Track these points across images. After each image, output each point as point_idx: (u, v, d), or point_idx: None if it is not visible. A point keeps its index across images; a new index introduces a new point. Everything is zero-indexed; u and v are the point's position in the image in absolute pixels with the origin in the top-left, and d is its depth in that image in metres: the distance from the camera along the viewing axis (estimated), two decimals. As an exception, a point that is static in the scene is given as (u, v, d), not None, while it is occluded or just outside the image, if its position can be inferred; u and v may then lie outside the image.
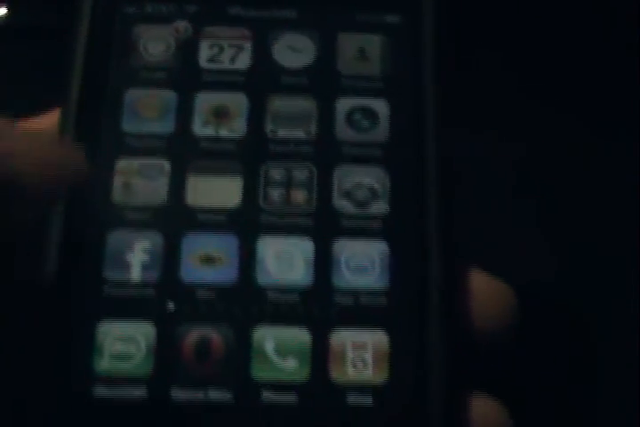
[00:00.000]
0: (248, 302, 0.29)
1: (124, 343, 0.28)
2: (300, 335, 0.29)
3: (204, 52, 0.31)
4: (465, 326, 0.29)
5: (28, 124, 0.28)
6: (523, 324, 0.29)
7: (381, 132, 0.31)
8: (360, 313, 0.29)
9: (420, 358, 0.28)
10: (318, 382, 0.28)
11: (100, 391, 0.28)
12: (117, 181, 0.30)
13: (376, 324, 0.29)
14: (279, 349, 0.28)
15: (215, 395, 0.28)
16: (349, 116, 0.31)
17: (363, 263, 0.30)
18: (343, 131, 0.31)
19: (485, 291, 0.29)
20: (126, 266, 0.29)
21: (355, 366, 0.28)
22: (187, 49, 0.31)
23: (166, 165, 0.30)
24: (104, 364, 0.28)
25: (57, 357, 0.28)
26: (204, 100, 0.31)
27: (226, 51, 0.31)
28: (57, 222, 0.29)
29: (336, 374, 0.28)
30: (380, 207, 0.30)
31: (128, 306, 0.29)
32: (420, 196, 0.30)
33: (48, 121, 0.30)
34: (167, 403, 0.28)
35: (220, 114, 0.31)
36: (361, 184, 0.30)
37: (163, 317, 0.29)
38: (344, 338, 0.29)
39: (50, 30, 0.42)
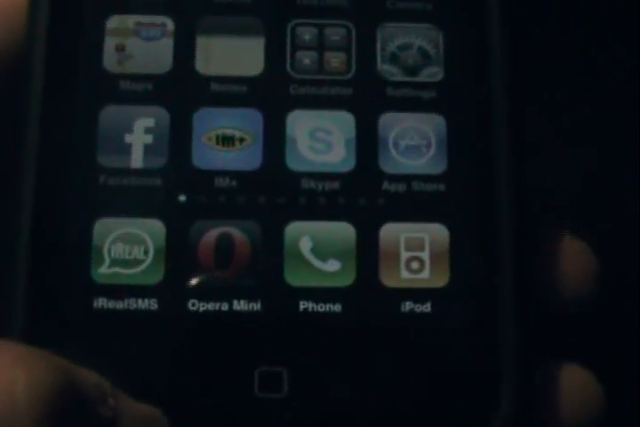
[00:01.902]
0: (278, 191, 0.23)
1: (128, 245, 0.23)
2: (342, 231, 0.23)
3: None
4: (544, 288, 0.24)
5: None
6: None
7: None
8: (414, 203, 0.24)
9: (488, 259, 0.23)
10: (366, 286, 0.23)
11: (101, 303, 0.22)
12: (109, 44, 0.24)
13: (433, 216, 0.24)
14: (318, 248, 0.23)
15: (241, 306, 0.23)
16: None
17: (415, 142, 0.24)
18: (388, -22, 0.25)
19: (571, 251, 0.24)
20: (125, 150, 0.23)
21: (409, 267, 0.23)
22: None
23: (169, 22, 0.24)
24: (104, 270, 0.23)
25: (48, 262, 0.22)
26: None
27: None
28: (35, 93, 0.23)
29: (387, 278, 0.23)
30: (433, 73, 0.24)
31: (130, 199, 0.23)
32: (481, 57, 0.24)
33: None
34: (182, 317, 0.22)
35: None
36: (410, 45, 0.25)
37: (173, 211, 0.23)
38: (395, 233, 0.23)
39: None
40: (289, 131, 0.24)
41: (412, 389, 0.23)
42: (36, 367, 0.18)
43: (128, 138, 0.24)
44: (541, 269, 0.24)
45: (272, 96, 0.24)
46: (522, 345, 0.23)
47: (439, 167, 0.24)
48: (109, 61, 0.24)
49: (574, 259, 0.24)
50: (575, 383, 0.24)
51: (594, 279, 0.24)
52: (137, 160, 0.23)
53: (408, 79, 0.24)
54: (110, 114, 0.24)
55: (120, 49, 0.24)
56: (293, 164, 0.24)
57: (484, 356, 0.23)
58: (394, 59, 0.25)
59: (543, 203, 0.26)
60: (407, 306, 0.23)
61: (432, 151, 0.24)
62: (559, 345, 0.25)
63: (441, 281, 0.23)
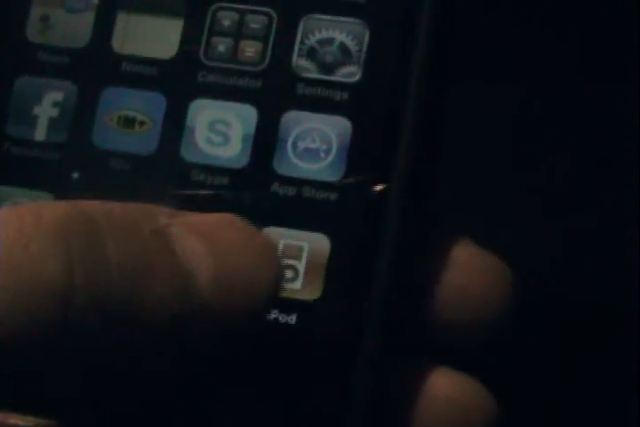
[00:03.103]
0: (167, 180, 0.23)
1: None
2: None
3: None
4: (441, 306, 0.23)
5: None
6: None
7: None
8: (300, 209, 0.23)
9: (365, 278, 0.22)
10: None
11: None
12: (34, 13, 0.24)
13: (318, 225, 0.23)
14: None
15: None
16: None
17: (314, 145, 0.23)
18: (315, -32, 0.23)
19: (476, 266, 0.23)
20: (32, 121, 0.24)
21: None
22: None
23: (95, -5, 0.24)
24: None
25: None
26: None
27: None
28: None
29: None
30: (349, 73, 0.23)
31: (29, 170, 0.24)
32: (404, 63, 0.23)
33: None
34: None
35: None
36: (331, 40, 0.23)
37: (65, 187, 0.24)
38: (275, 238, 0.23)
39: None
40: (189, 119, 0.24)
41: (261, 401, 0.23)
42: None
43: (36, 110, 0.24)
44: (436, 293, 0.23)
45: (179, 82, 0.24)
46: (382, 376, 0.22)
47: (335, 174, 0.23)
48: (32, 31, 0.24)
49: (482, 278, 0.23)
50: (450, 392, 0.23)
51: (508, 302, 0.23)
52: (40, 133, 0.24)
53: (322, 77, 0.23)
54: (24, 84, 0.24)
55: (44, 19, 0.24)
56: (187, 153, 0.23)
57: (336, 377, 0.22)
58: (311, 54, 0.23)
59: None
60: (271, 315, 0.23)
61: (331, 157, 0.23)
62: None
63: (312, 294, 0.23)
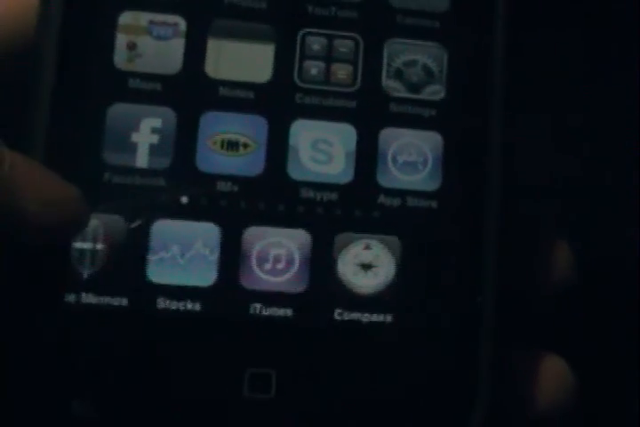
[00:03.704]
0: (277, 198, 0.24)
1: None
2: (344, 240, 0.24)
3: None
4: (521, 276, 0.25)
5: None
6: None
7: (443, -1, 0.26)
8: (406, 218, 0.25)
9: (476, 277, 0.24)
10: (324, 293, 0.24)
11: (89, 299, 0.23)
12: (120, 41, 0.24)
13: (422, 232, 0.25)
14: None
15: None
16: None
17: (411, 158, 0.25)
18: (400, -5, 0.25)
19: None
20: (131, 148, 0.24)
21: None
22: None
23: (182, 22, 0.24)
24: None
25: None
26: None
27: None
28: (46, 90, 0.23)
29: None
30: (434, 91, 0.25)
31: (132, 198, 0.24)
32: (484, 78, 0.25)
33: None
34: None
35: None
36: (415, 62, 0.25)
37: (174, 213, 0.24)
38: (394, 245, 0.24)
39: None
40: (292, 140, 0.24)
41: (392, 389, 0.24)
42: None
43: (134, 137, 0.24)
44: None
45: (278, 104, 0.24)
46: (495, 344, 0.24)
47: (434, 184, 0.25)
48: (120, 59, 0.24)
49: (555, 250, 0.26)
50: (549, 371, 0.25)
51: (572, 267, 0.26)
52: (142, 159, 0.24)
53: (410, 96, 0.25)
54: (118, 111, 0.24)
55: (131, 47, 0.24)
56: (294, 172, 0.24)
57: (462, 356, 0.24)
58: (398, 75, 0.25)
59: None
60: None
61: (428, 168, 0.25)
62: (535, 334, 0.26)
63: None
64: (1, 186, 0.20)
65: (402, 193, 0.25)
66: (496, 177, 0.25)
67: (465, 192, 0.25)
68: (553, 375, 0.25)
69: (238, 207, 0.24)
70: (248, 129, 0.24)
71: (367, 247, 0.24)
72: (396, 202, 0.25)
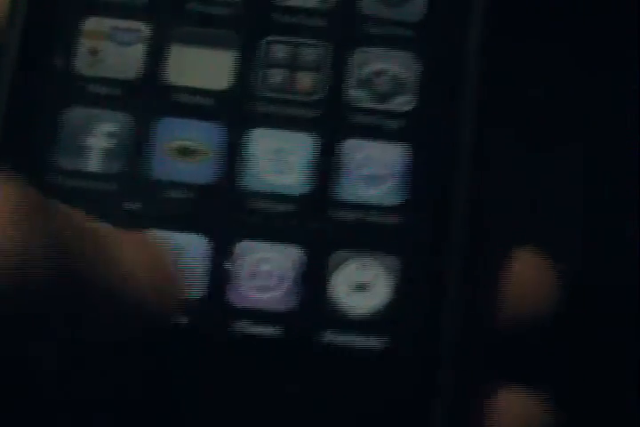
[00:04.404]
0: (227, 206, 0.24)
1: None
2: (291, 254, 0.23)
3: None
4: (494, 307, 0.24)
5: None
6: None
7: (417, 8, 0.25)
8: (362, 234, 0.24)
9: (436, 293, 0.23)
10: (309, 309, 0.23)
11: None
12: (83, 46, 0.24)
13: (381, 248, 0.24)
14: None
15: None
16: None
17: (374, 172, 0.24)
18: (370, 2, 0.24)
19: (528, 269, 0.24)
20: (85, 152, 0.24)
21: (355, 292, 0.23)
22: None
23: (144, 28, 0.24)
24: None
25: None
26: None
27: None
28: (3, 90, 0.23)
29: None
30: (403, 102, 0.24)
31: (83, 202, 0.23)
32: (457, 90, 0.24)
33: None
34: None
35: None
36: (384, 71, 0.24)
37: (122, 216, 0.23)
38: (345, 260, 0.23)
39: None
40: (248, 148, 0.24)
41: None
42: None
43: (90, 141, 0.24)
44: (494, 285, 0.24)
45: (236, 112, 0.24)
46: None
47: (395, 199, 0.24)
48: (81, 63, 0.24)
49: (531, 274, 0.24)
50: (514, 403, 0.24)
51: (553, 296, 0.24)
52: (95, 164, 0.24)
53: (377, 106, 0.24)
54: (75, 115, 0.24)
55: (93, 52, 0.24)
56: (248, 182, 0.24)
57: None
58: (366, 84, 0.24)
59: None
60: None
61: (389, 182, 0.24)
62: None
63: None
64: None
65: (360, 207, 0.24)
66: (465, 194, 0.24)
67: (429, 210, 0.24)
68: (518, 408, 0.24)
69: (189, 215, 0.24)
70: (204, 136, 0.24)
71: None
72: (353, 216, 0.24)
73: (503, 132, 0.24)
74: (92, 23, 0.24)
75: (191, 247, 0.23)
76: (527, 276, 0.24)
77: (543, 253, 0.24)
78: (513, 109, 0.29)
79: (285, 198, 0.24)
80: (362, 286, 0.23)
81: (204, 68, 0.24)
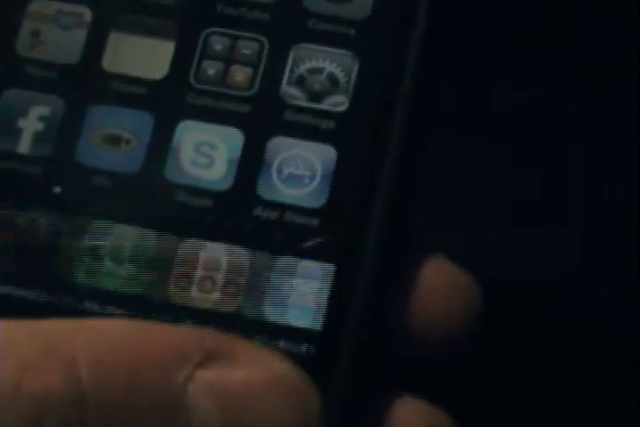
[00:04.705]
0: (150, 199, 0.23)
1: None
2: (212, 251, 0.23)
3: None
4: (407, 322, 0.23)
5: None
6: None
7: (361, 6, 0.24)
8: (281, 234, 0.23)
9: (345, 301, 0.23)
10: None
11: None
12: (25, 27, 0.24)
13: (297, 250, 0.23)
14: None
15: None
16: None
17: (298, 171, 0.23)
18: (312, -2, 0.24)
19: (446, 282, 0.23)
20: (16, 134, 0.24)
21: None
22: None
23: (88, 13, 0.24)
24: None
25: None
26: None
27: None
28: None
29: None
30: (337, 102, 0.24)
31: (9, 183, 0.24)
32: (394, 94, 0.23)
33: None
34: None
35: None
36: (320, 69, 0.24)
37: (46, 200, 0.24)
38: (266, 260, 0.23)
39: None
40: (175, 140, 0.24)
41: None
42: None
43: (21, 123, 0.24)
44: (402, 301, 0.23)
45: (167, 102, 0.24)
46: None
47: (318, 201, 0.23)
48: (22, 45, 0.24)
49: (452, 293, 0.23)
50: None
51: (474, 319, 0.23)
52: (24, 146, 0.24)
53: (309, 105, 0.24)
54: (10, 96, 0.24)
55: (34, 34, 0.24)
56: (171, 174, 0.24)
57: None
58: (300, 82, 0.24)
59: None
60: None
61: (314, 184, 0.23)
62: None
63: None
64: None
65: (281, 207, 0.23)
66: (390, 202, 0.23)
67: (351, 214, 0.23)
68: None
69: (110, 203, 0.24)
70: (133, 125, 0.24)
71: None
72: (273, 215, 0.23)
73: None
74: (37, 5, 0.24)
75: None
76: (440, 285, 0.23)
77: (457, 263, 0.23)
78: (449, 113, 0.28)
79: (206, 193, 0.23)
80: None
81: (142, 57, 0.24)
